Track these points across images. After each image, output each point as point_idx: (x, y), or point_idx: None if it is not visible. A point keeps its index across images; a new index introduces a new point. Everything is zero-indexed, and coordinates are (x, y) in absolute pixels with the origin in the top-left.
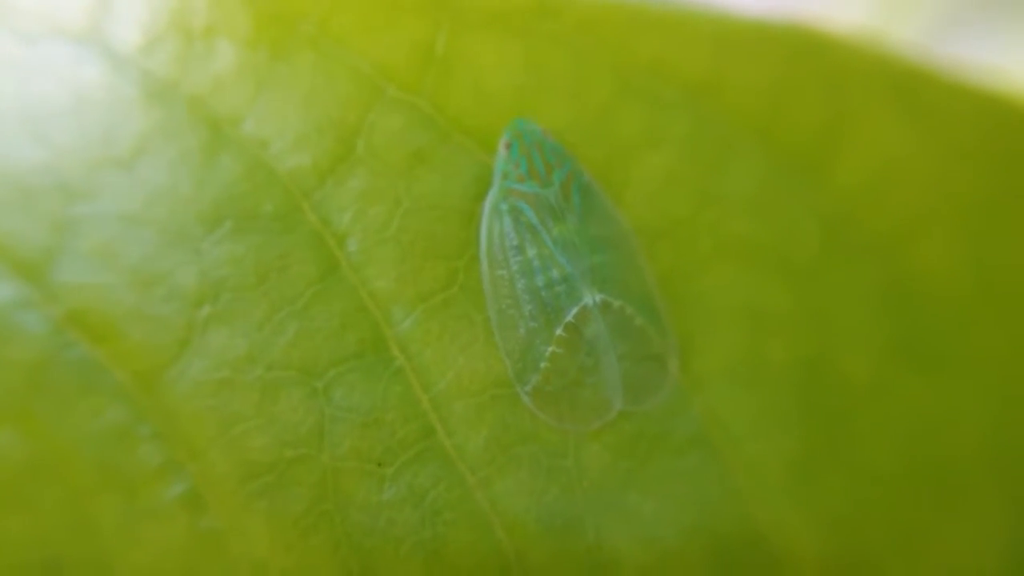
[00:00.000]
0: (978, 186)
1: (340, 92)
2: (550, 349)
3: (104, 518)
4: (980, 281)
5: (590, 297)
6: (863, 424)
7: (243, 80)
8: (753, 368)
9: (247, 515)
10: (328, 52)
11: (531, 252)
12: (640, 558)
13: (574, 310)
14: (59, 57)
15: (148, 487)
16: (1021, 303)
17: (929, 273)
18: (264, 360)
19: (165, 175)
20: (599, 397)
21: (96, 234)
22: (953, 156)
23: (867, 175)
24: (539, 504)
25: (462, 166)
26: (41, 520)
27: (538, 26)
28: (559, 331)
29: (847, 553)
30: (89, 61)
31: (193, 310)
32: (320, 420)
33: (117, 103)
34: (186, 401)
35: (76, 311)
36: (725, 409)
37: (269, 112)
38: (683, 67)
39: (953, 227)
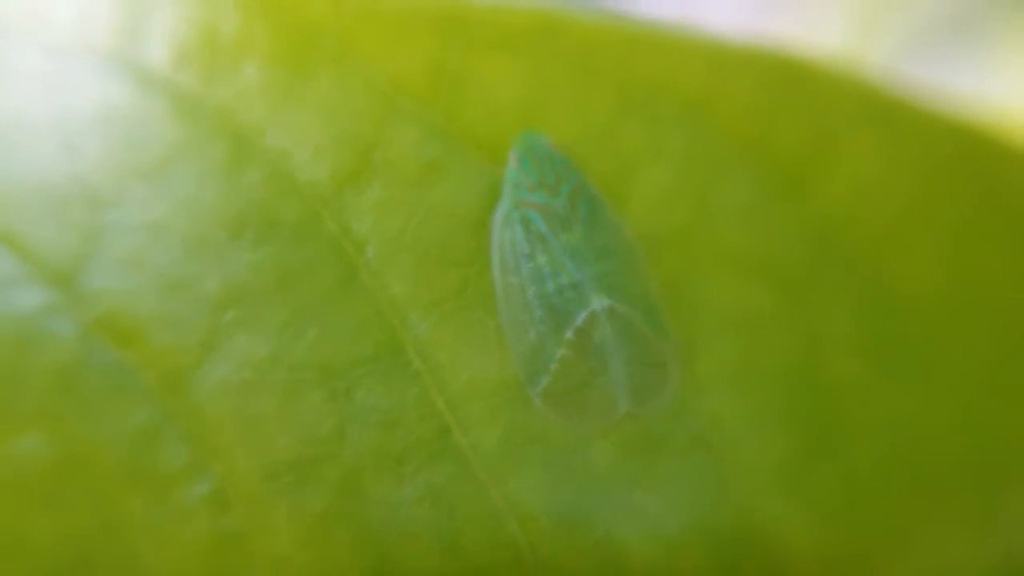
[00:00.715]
0: (948, 205)
1: (357, 105)
2: (560, 352)
3: (131, 517)
4: (951, 293)
5: (598, 302)
6: (849, 425)
7: (266, 94)
8: (748, 372)
9: (270, 512)
10: (346, 67)
11: (541, 259)
12: (647, 551)
13: (583, 315)
14: (90, 72)
15: (174, 487)
16: (989, 313)
17: (905, 284)
18: (286, 362)
19: (191, 185)
20: (606, 399)
21: (124, 241)
22: (926, 177)
23: (847, 193)
24: (551, 500)
25: (473, 177)
26: (71, 520)
27: (543, 45)
28: (568, 334)
29: (840, 545)
30: (119, 76)
31: (217, 314)
32: (341, 420)
33: (145, 116)
34: (211, 402)
35: (104, 316)
36: (723, 411)
37: (290, 125)
38: (680, 85)
39: (926, 243)
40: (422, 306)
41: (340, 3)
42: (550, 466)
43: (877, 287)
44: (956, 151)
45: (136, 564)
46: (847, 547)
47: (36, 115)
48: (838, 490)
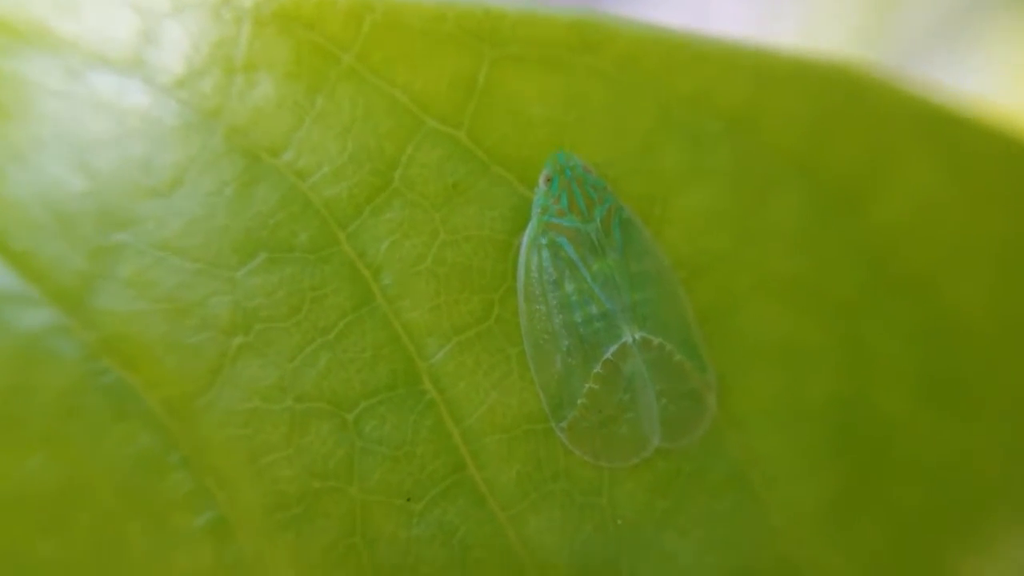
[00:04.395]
0: (1010, 227)
1: (379, 124)
2: (587, 385)
3: (133, 544)
4: (1010, 319)
5: (630, 335)
6: (898, 463)
7: (282, 112)
8: (791, 406)
9: (274, 546)
10: (368, 84)
11: (569, 287)
12: None
13: (613, 347)
14: (103, 88)
15: (177, 514)
16: None
17: (962, 312)
18: (295, 391)
19: (202, 205)
20: (636, 433)
21: (133, 262)
22: (986, 198)
23: (904, 213)
24: (572, 543)
25: (500, 198)
26: (73, 546)
27: (579, 60)
28: (597, 368)
29: None
30: (132, 92)
31: (226, 339)
32: (350, 452)
33: (157, 133)
34: (216, 430)
35: (110, 338)
36: (762, 447)
37: (307, 143)
38: (724, 100)
39: (985, 267)
40: (441, 333)
41: (360, 17)
42: (572, 505)
43: (933, 313)
44: (1016, 171)
45: None
46: None
47: (52, 133)
48: (886, 535)
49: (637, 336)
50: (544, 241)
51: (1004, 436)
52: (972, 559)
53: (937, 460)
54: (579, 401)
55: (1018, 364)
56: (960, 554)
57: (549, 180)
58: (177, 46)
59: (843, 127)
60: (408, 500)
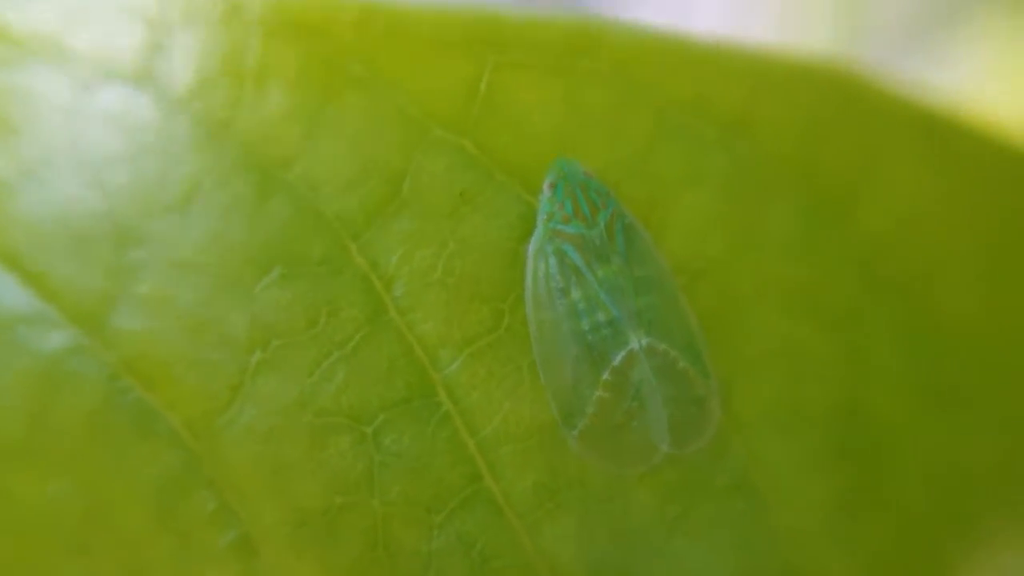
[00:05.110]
0: (999, 229)
1: (387, 133)
2: (597, 393)
3: (159, 566)
4: (1001, 323)
5: (636, 341)
6: (897, 466)
7: (292, 122)
8: (792, 410)
9: (299, 562)
10: (375, 93)
11: (576, 294)
12: None
13: (621, 354)
14: (113, 101)
15: (201, 533)
16: None
17: (954, 316)
18: (313, 406)
19: (217, 220)
20: (645, 440)
21: (150, 280)
22: (974, 199)
23: (892, 217)
24: (588, 551)
25: (506, 206)
26: (99, 569)
27: (577, 64)
28: (606, 375)
29: None
30: (142, 104)
31: (244, 356)
32: (369, 466)
33: (170, 147)
34: (238, 447)
35: (130, 357)
36: (766, 451)
37: (318, 155)
38: (720, 105)
39: (975, 270)
40: (453, 344)
41: (367, 25)
42: (587, 513)
43: (925, 318)
44: (1009, 171)
45: None
46: None
47: (63, 149)
48: (888, 537)
49: (643, 342)
50: (550, 248)
51: (999, 439)
52: (971, 560)
53: (935, 463)
54: (589, 409)
55: (1010, 367)
56: (959, 555)
57: (553, 186)
58: (187, 57)
59: (835, 131)
60: (428, 512)
